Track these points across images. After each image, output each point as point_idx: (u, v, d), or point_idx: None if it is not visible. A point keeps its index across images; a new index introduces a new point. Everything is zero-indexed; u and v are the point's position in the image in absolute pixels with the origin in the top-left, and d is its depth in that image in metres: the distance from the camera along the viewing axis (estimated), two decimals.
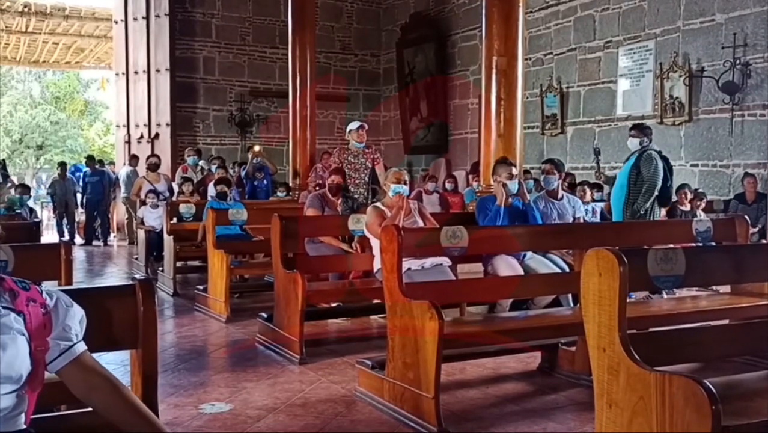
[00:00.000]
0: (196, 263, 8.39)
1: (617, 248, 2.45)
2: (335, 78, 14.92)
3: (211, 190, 9.34)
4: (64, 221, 13.39)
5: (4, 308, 1.57)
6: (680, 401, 2.15)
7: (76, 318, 1.65)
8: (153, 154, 11.02)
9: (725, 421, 2.08)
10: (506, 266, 5.02)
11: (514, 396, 4.02)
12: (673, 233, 4.73)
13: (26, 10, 14.75)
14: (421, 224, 5.13)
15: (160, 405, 3.78)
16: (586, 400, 3.94)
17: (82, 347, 1.66)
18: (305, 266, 5.15)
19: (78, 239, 13.47)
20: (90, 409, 1.67)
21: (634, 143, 6.64)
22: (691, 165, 9.33)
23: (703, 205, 7.89)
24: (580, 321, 3.95)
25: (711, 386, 2.09)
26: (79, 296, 1.65)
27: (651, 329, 3.85)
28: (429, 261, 4.91)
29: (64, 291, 1.64)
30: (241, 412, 3.66)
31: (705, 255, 2.71)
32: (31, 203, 9.94)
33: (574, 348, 4.29)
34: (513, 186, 5.36)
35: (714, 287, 6.81)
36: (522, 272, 5.00)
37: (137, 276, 1.84)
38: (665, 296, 5.36)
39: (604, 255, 2.41)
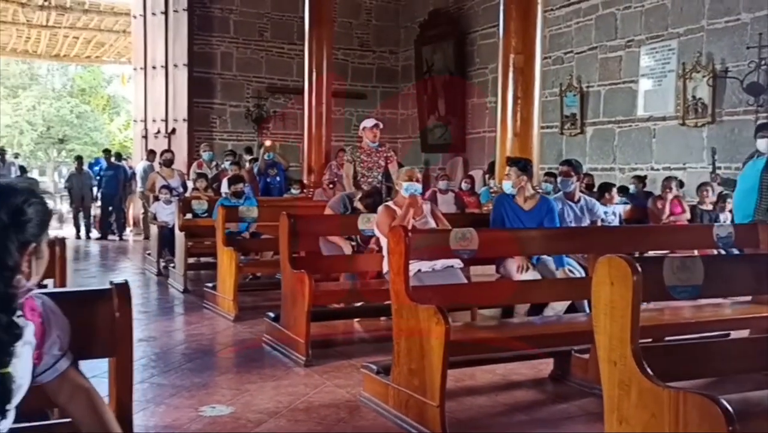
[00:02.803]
0: (209, 259, 8.32)
1: (633, 254, 2.33)
2: (353, 75, 14.84)
3: (224, 187, 9.28)
4: (81, 214, 13.42)
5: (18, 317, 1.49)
6: (695, 420, 2.02)
7: (64, 328, 1.58)
8: (167, 150, 10.98)
9: None
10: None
11: (524, 405, 3.90)
12: (693, 238, 4.58)
13: (46, 3, 14.80)
14: (432, 224, 5.01)
15: (159, 407, 3.73)
16: (599, 410, 3.76)
17: (69, 359, 1.61)
18: (313, 265, 5.06)
19: (94, 233, 13.51)
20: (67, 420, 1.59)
21: (762, 144, 5.90)
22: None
23: (730, 206, 7.67)
24: (593, 328, 3.85)
25: (728, 405, 1.96)
26: (51, 299, 1.56)
27: (667, 339, 3.71)
28: (440, 263, 4.78)
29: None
30: (241, 415, 3.57)
31: (724, 264, 2.57)
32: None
33: (587, 356, 4.15)
34: (506, 186, 5.28)
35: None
36: (538, 275, 4.86)
37: (114, 281, 1.74)
38: None
39: (617, 263, 2.28)
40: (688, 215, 7.59)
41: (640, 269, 2.24)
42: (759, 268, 2.61)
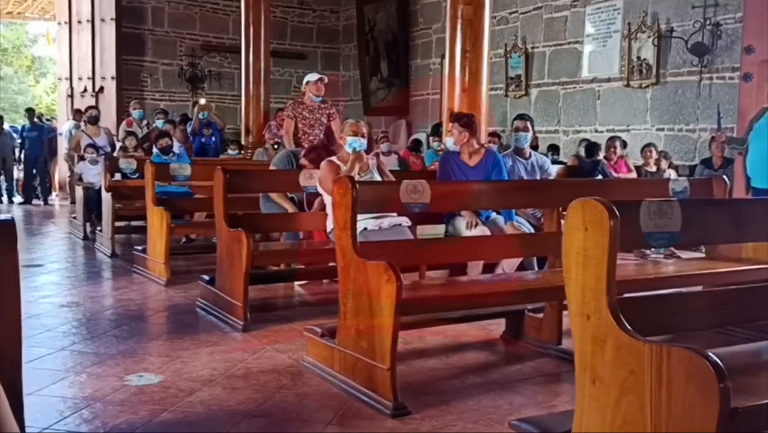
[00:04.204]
0: (140, 223, 7.86)
1: None
2: (292, 34, 14.32)
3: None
4: (2, 177, 12.63)
5: None
6: (681, 377, 1.82)
7: None
8: (92, 106, 10.31)
9: (734, 401, 1.75)
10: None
11: (477, 366, 3.70)
12: (648, 192, 4.42)
13: None
14: (379, 179, 4.73)
15: (80, 376, 3.36)
16: (554, 371, 3.65)
17: None
18: (252, 224, 4.72)
19: (17, 198, 12.75)
20: None
21: None
22: (657, 129, 9.09)
23: (668, 163, 7.68)
24: (549, 286, 3.65)
25: (718, 360, 1.76)
26: None
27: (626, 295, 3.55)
28: (387, 221, 4.53)
29: None
30: (171, 384, 3.25)
31: (703, 209, 2.37)
32: None
33: (541, 315, 3.99)
34: (449, 142, 5.09)
35: (678, 253, 6.66)
36: (487, 232, 4.65)
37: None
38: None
39: (592, 206, 2.04)
40: (635, 175, 7.51)
41: (617, 213, 2.01)
42: (738, 214, 2.43)
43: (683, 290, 3.26)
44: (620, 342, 1.99)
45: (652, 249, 6.57)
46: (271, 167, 5.81)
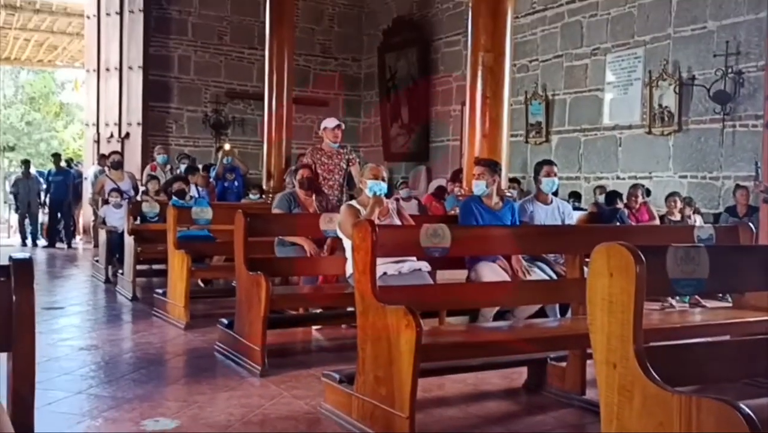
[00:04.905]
0: (161, 266, 7.89)
1: None
2: (315, 81, 14.54)
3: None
4: (27, 221, 12.79)
5: None
6: (711, 429, 1.75)
7: None
8: (115, 151, 10.46)
9: None
10: (491, 273, 4.62)
11: (499, 416, 3.61)
12: (673, 239, 4.34)
13: None
14: (399, 224, 4.72)
15: (96, 421, 3.33)
16: (578, 422, 3.56)
17: None
18: (270, 267, 4.70)
19: (41, 241, 12.89)
20: None
21: None
22: (680, 177, 9.02)
23: (693, 209, 7.58)
24: (572, 333, 3.58)
25: (750, 412, 1.69)
26: None
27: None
28: (407, 266, 4.50)
29: None
30: (188, 429, 3.20)
31: (731, 256, 2.32)
32: None
33: (564, 364, 3.90)
34: (480, 186, 5.03)
35: (703, 302, 6.54)
36: (508, 279, 4.60)
37: (13, 256, 1.38)
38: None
39: (617, 251, 2.00)
40: (657, 222, 7.43)
41: (643, 258, 1.97)
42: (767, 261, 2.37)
43: (710, 339, 3.18)
44: (648, 392, 1.92)
45: (677, 297, 6.45)
46: (274, 210, 5.81)
